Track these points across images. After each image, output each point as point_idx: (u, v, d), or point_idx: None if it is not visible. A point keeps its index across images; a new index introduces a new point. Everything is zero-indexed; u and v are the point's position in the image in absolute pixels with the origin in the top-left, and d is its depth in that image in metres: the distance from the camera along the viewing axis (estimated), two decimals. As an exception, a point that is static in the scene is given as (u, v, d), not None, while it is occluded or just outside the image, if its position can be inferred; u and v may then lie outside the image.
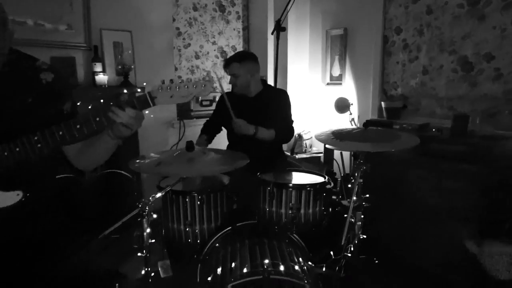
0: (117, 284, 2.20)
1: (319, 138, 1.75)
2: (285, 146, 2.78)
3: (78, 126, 1.08)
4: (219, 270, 1.49)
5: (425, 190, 2.28)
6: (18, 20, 2.60)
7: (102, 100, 2.69)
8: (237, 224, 1.82)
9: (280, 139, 2.39)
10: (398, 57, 3.11)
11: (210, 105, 3.52)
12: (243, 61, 2.32)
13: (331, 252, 1.81)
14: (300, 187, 1.70)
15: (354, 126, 3.04)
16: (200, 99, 3.47)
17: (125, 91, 2.72)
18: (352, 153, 1.79)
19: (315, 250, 1.80)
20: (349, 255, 1.71)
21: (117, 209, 2.36)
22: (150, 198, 1.64)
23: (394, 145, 1.66)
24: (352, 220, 1.68)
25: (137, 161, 1.73)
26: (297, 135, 3.64)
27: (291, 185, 1.72)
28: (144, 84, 2.68)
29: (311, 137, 3.77)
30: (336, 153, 3.31)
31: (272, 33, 2.84)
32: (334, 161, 3.25)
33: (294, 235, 1.76)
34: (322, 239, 1.89)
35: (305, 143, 3.74)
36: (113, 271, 2.34)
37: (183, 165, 1.64)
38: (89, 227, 2.42)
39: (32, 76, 1.14)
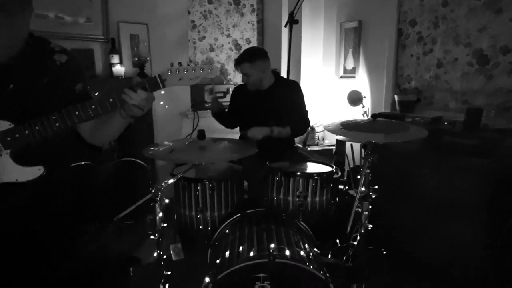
0: (131, 268, 2.30)
1: (328, 128, 1.78)
2: (297, 139, 2.80)
3: (93, 107, 1.16)
4: (227, 253, 1.54)
5: (435, 184, 2.28)
6: (40, 13, 2.70)
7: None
8: (246, 211, 1.87)
9: (296, 134, 2.43)
10: (412, 50, 3.09)
11: (224, 96, 3.57)
12: (254, 61, 2.31)
13: (337, 240, 1.84)
14: (308, 176, 1.73)
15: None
16: (214, 91, 3.53)
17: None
18: (362, 145, 1.81)
19: (322, 239, 1.84)
20: (355, 243, 1.74)
21: (132, 196, 2.45)
22: (163, 183, 1.71)
23: (402, 136, 1.67)
24: (359, 209, 1.70)
25: (152, 148, 1.80)
26: (309, 128, 3.66)
27: (298, 173, 1.76)
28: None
29: (324, 130, 3.79)
30: (347, 147, 3.32)
31: (285, 26, 2.85)
32: (345, 154, 3.26)
33: (302, 222, 1.80)
34: (329, 228, 1.92)
35: (317, 136, 3.75)
36: (127, 255, 2.44)
37: (195, 152, 1.70)
38: (104, 213, 2.53)
39: (47, 57, 1.20)
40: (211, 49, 3.97)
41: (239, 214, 1.85)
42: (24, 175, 1.17)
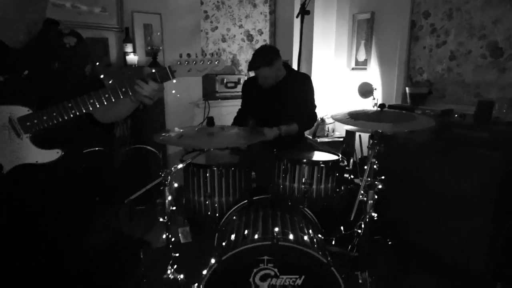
0: (141, 250, 2.38)
1: (335, 118, 1.80)
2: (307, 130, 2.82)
3: (106, 95, 1.22)
4: (232, 236, 1.59)
5: (443, 176, 2.28)
6: (57, 2, 2.77)
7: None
8: (253, 198, 1.91)
9: (303, 129, 2.44)
10: (425, 41, 3.06)
11: (235, 87, 3.60)
12: (273, 63, 2.25)
13: (342, 228, 1.87)
14: (313, 163, 1.76)
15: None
16: (225, 81, 3.56)
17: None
18: (370, 136, 1.82)
19: (327, 226, 1.87)
20: (359, 231, 1.76)
21: (143, 182, 2.52)
22: (172, 168, 1.76)
23: (408, 125, 1.68)
24: (364, 198, 1.72)
25: (162, 134, 1.85)
26: (319, 119, 3.67)
27: (304, 160, 1.79)
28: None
29: (334, 122, 3.79)
30: (356, 139, 3.32)
31: (297, 17, 2.85)
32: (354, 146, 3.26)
33: (307, 209, 1.84)
34: (334, 216, 1.95)
35: (328, 127, 3.76)
36: (138, 239, 2.52)
37: (203, 138, 1.74)
38: (117, 197, 2.60)
39: (56, 41, 1.25)
40: (223, 40, 4.00)
41: (246, 201, 1.90)
42: (43, 157, 1.23)
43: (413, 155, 2.45)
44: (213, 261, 1.48)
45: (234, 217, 1.84)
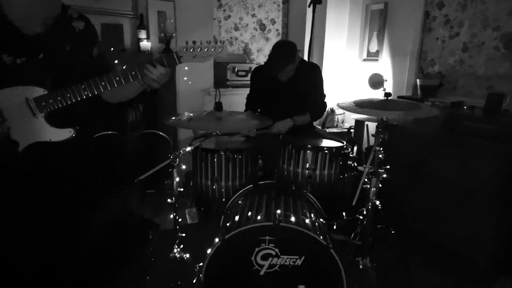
0: (150, 231, 2.46)
1: (341, 105, 1.82)
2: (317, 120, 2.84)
3: (117, 78, 1.30)
4: (236, 217, 1.65)
5: (450, 168, 2.28)
6: (73, -12, 2.84)
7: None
8: (259, 183, 1.97)
9: (315, 119, 2.48)
10: (438, 33, 3.03)
11: (246, 75, 3.63)
12: (296, 58, 2.28)
13: (344, 213, 1.90)
14: (317, 149, 1.80)
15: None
16: (236, 69, 3.60)
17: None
18: (377, 125, 1.83)
19: (329, 211, 1.91)
20: (361, 217, 1.80)
21: (153, 165, 2.59)
22: (181, 150, 1.82)
23: (413, 114, 1.70)
24: (367, 186, 1.75)
25: (173, 118, 1.91)
26: (329, 110, 3.68)
27: (309, 146, 1.83)
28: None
29: (344, 113, 3.79)
30: (365, 129, 3.32)
31: (308, 6, 2.85)
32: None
33: (310, 195, 1.88)
34: (336, 201, 1.98)
35: (337, 118, 3.77)
36: (148, 220, 2.60)
37: (211, 122, 1.79)
38: (128, 180, 2.69)
39: (66, 25, 1.33)
40: (236, 28, 4.03)
41: (252, 185, 1.95)
42: (57, 135, 1.31)
43: (420, 146, 2.45)
44: (216, 240, 1.54)
45: (240, 201, 1.90)
